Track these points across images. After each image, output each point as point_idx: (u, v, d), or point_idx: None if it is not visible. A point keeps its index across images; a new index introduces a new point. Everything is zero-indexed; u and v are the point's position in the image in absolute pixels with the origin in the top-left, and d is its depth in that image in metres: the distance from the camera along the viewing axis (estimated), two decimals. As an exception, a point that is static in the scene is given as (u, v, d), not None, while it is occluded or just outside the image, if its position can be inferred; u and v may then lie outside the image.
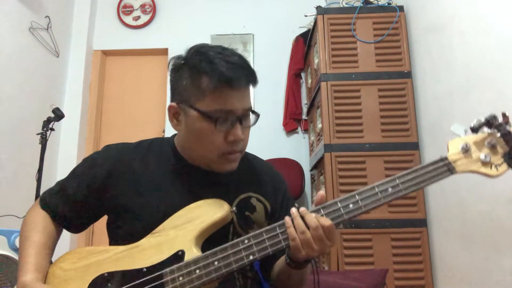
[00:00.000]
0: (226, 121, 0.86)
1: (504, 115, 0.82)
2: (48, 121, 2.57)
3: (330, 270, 2.13)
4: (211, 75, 0.83)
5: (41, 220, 0.95)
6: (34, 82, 2.90)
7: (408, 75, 2.36)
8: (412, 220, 2.15)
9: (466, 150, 0.82)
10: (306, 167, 3.02)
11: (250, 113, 0.91)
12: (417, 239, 2.13)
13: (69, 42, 3.38)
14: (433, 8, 2.16)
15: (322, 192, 0.82)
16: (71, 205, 0.96)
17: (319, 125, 2.50)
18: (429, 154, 2.18)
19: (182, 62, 0.90)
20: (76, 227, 1.00)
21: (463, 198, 1.81)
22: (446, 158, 0.82)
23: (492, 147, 0.82)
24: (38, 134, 2.55)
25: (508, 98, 1.51)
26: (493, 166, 0.81)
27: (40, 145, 2.53)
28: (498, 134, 0.82)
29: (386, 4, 2.52)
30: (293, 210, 0.81)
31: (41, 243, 0.91)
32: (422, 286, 2.07)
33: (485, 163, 0.81)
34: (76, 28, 3.43)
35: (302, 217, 0.79)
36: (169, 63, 0.93)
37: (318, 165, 2.58)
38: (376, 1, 2.55)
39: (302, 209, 0.80)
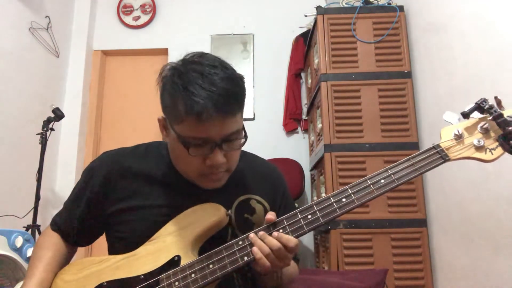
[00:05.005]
0: (202, 147, 0.81)
1: (496, 98, 0.80)
2: (48, 121, 2.58)
3: (330, 270, 2.13)
4: (184, 103, 0.77)
5: (50, 239, 0.98)
6: (34, 82, 2.90)
7: (408, 75, 2.36)
8: (412, 220, 2.15)
9: (458, 137, 0.80)
10: (306, 167, 3.02)
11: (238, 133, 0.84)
12: (417, 239, 2.13)
13: (69, 42, 3.38)
14: (433, 8, 2.16)
15: (271, 217, 0.81)
16: (75, 221, 0.97)
17: (319, 125, 2.50)
18: (429, 154, 2.18)
19: (168, 75, 0.84)
20: (86, 240, 1.01)
21: (463, 198, 1.81)
22: (438, 146, 0.81)
23: (485, 131, 0.80)
24: (38, 134, 2.56)
25: (508, 98, 1.50)
26: (487, 151, 0.78)
27: (40, 145, 2.54)
28: (490, 117, 0.79)
29: (386, 4, 2.52)
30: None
31: (48, 258, 0.92)
32: (422, 286, 2.07)
33: (479, 148, 0.79)
34: (76, 28, 3.42)
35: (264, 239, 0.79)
36: (160, 72, 0.87)
37: (318, 165, 2.58)
38: (376, 1, 2.55)
39: (261, 233, 0.80)
